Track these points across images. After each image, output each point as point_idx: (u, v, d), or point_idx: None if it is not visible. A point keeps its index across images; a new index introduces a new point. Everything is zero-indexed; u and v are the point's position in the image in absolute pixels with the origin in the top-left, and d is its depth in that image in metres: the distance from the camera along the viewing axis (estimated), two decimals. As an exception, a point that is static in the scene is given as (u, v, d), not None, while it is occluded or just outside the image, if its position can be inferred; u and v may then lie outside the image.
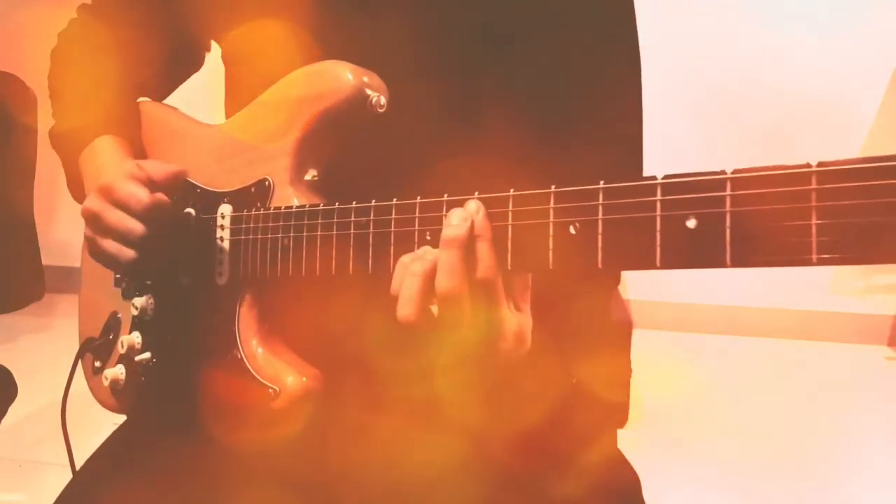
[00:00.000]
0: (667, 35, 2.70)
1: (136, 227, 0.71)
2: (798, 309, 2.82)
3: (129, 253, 0.72)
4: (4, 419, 1.24)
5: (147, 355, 0.78)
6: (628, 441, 0.86)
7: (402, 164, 0.67)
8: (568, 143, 0.69)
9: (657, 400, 2.16)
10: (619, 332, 0.78)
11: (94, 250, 0.75)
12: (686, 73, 2.72)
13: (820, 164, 0.39)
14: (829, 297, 2.82)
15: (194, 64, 0.94)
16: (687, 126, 2.77)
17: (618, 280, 0.78)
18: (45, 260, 3.25)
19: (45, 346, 2.64)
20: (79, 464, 0.80)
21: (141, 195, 0.70)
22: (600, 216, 0.47)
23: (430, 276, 0.52)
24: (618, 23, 0.74)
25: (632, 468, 0.78)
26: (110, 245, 0.72)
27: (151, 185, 0.72)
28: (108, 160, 0.81)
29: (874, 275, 2.81)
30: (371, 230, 0.60)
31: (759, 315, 2.84)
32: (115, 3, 0.91)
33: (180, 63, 0.93)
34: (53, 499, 0.74)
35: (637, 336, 0.81)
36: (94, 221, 0.73)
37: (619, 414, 0.81)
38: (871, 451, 1.98)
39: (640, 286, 2.86)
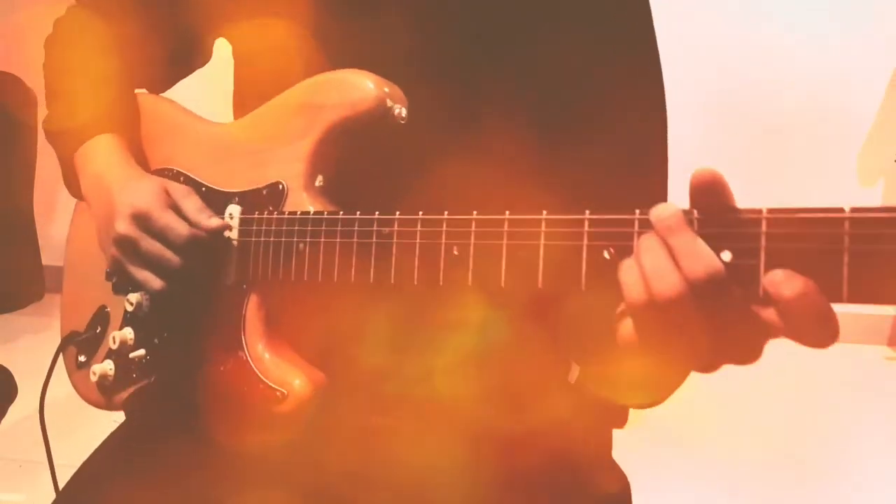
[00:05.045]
0: (666, 37, 2.70)
1: (173, 259, 0.72)
2: (798, 309, 2.81)
3: (159, 283, 0.73)
4: (4, 419, 1.24)
5: (141, 352, 0.78)
6: (627, 442, 0.86)
7: (405, 168, 0.67)
8: (574, 144, 0.68)
9: (657, 400, 2.16)
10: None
11: (119, 270, 0.75)
12: (686, 74, 2.72)
13: (853, 210, 0.41)
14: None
15: (198, 59, 0.91)
16: (686, 127, 2.76)
17: None
18: (45, 260, 3.24)
19: (45, 346, 2.63)
20: (77, 464, 0.80)
21: (180, 229, 0.71)
22: (635, 242, 0.48)
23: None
24: (624, 19, 0.74)
25: (622, 473, 0.78)
26: (140, 273, 0.73)
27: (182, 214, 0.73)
28: (109, 165, 0.80)
29: (874, 275, 2.81)
30: (395, 240, 0.59)
31: (759, 315, 2.83)
32: None
33: (182, 59, 0.90)
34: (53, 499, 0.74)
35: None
36: (128, 247, 0.73)
37: (618, 414, 0.80)
38: (871, 451, 1.98)
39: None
